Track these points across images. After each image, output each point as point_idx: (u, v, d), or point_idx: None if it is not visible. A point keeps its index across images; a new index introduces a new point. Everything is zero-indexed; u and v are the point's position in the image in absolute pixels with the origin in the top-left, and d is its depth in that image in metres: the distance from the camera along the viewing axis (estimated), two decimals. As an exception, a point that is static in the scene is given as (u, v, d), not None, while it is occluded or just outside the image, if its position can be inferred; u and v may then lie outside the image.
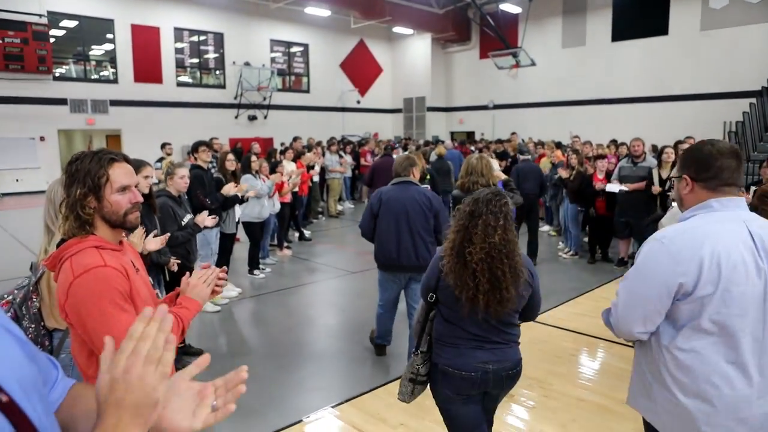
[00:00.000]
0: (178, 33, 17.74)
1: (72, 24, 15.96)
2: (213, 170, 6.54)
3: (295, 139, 11.61)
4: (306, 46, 21.08)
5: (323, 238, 9.79)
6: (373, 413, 3.57)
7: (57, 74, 15.58)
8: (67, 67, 16.37)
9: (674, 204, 2.43)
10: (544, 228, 9.99)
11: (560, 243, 8.65)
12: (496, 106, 21.33)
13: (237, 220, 6.27)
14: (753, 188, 5.00)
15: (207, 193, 5.55)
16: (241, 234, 7.02)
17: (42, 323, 2.25)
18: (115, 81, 16.58)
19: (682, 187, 1.80)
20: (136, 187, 1.78)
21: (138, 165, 3.39)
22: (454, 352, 2.29)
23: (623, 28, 17.56)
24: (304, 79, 21.43)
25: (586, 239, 8.31)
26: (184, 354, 4.46)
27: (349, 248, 8.78)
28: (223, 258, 6.05)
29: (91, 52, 16.72)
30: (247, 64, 18.77)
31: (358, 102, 22.64)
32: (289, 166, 8.67)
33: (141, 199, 1.78)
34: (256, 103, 19.13)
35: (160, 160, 9.93)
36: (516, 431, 3.37)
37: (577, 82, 18.68)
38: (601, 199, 7.38)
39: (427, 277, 2.40)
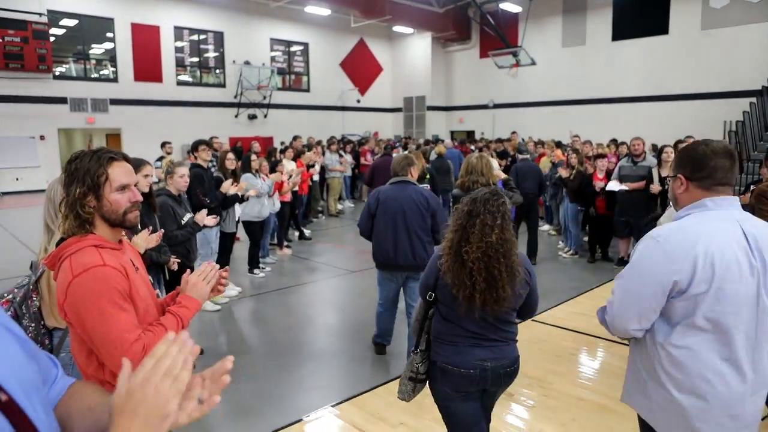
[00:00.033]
0: (178, 32, 17.73)
1: (72, 23, 15.95)
2: (213, 169, 6.54)
3: (295, 138, 11.60)
4: (306, 45, 21.07)
5: (323, 237, 9.79)
6: (373, 412, 3.57)
7: (57, 73, 15.58)
8: (67, 66, 16.36)
9: None
10: (544, 227, 9.99)
11: (560, 242, 8.65)
12: (496, 106, 21.32)
13: (237, 219, 6.27)
14: (753, 188, 5.00)
15: (206, 192, 5.55)
16: (241, 233, 7.02)
17: (42, 322, 2.25)
18: (115, 80, 16.58)
19: (677, 186, 1.83)
20: (135, 186, 1.78)
21: (138, 164, 3.39)
22: (453, 349, 2.31)
23: (623, 27, 17.55)
24: (304, 78, 21.42)
25: (586, 238, 8.31)
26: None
27: (349, 247, 8.78)
28: (223, 257, 6.05)
29: (91, 51, 16.71)
30: (247, 63, 18.76)
31: (358, 101, 22.63)
32: (289, 165, 8.67)
33: (140, 198, 1.78)
34: (256, 102, 19.13)
35: (160, 159, 9.93)
36: (516, 430, 3.38)
37: (577, 81, 18.67)
38: (601, 199, 7.38)
39: (426, 275, 2.41)
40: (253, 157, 7.03)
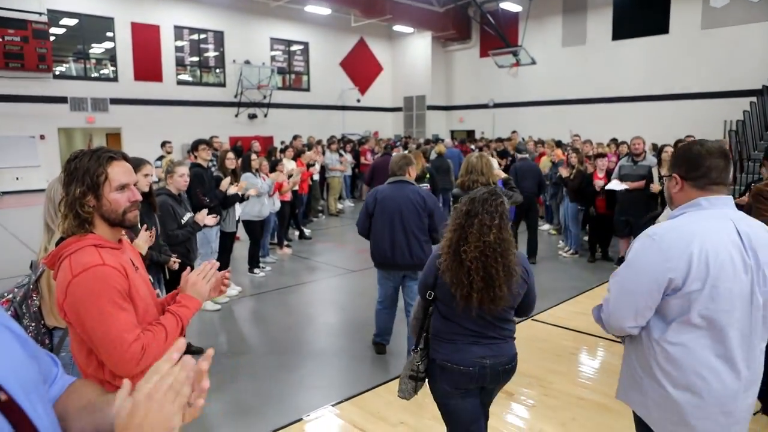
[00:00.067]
0: (178, 31, 17.73)
1: (72, 22, 15.95)
2: (213, 169, 6.54)
3: (295, 137, 11.60)
4: (306, 44, 21.06)
5: (323, 236, 9.79)
6: (373, 411, 3.57)
7: (57, 72, 15.58)
8: (67, 66, 16.36)
9: None
10: (544, 227, 9.99)
11: (560, 242, 8.66)
12: (496, 105, 21.32)
13: (237, 218, 6.27)
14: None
15: (206, 191, 5.55)
16: (242, 232, 7.02)
17: (42, 321, 2.25)
18: (115, 79, 16.57)
19: (672, 185, 1.86)
20: (135, 185, 1.78)
21: (137, 163, 3.39)
22: (452, 347, 2.33)
23: (624, 26, 17.55)
24: (304, 78, 21.42)
25: (586, 238, 8.31)
26: (185, 352, 4.45)
27: (349, 247, 8.78)
28: (224, 256, 6.05)
29: (91, 51, 16.71)
30: (247, 62, 18.76)
31: (359, 100, 22.63)
32: (289, 164, 8.67)
33: (140, 198, 1.78)
34: (256, 102, 19.12)
35: (160, 158, 9.93)
36: (516, 430, 3.38)
37: (578, 80, 18.67)
38: (601, 198, 7.38)
39: (425, 274, 2.43)
40: (253, 156, 7.03)
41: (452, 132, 22.84)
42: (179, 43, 17.86)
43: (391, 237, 4.14)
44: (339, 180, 12.09)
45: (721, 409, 1.72)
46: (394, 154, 8.52)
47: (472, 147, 14.01)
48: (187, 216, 4.50)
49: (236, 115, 18.92)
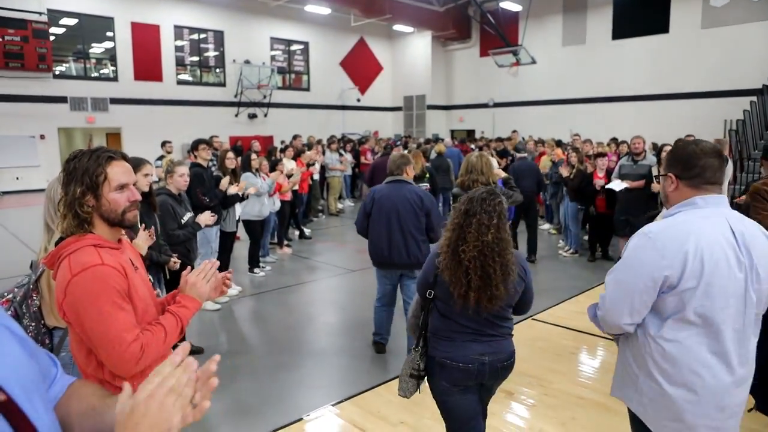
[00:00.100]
0: (178, 31, 17.73)
1: (72, 22, 15.94)
2: (213, 168, 6.54)
3: (295, 137, 11.59)
4: (306, 44, 21.06)
5: (323, 236, 9.79)
6: (373, 411, 3.57)
7: (57, 72, 15.58)
8: (67, 65, 16.36)
9: None
10: (545, 226, 10.00)
11: (560, 241, 8.66)
12: (497, 104, 21.32)
13: (237, 218, 6.27)
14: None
15: (206, 191, 5.54)
16: (242, 232, 7.02)
17: (42, 321, 2.25)
18: (115, 79, 16.57)
19: (668, 185, 1.88)
20: (134, 185, 1.78)
21: (137, 163, 3.39)
22: (451, 345, 2.35)
23: (624, 26, 17.55)
24: (304, 77, 21.41)
25: (586, 237, 8.31)
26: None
27: (349, 246, 8.78)
28: (224, 256, 6.04)
29: (91, 50, 16.71)
30: (247, 62, 18.75)
31: (359, 100, 22.62)
32: (289, 164, 8.67)
33: (139, 198, 1.78)
34: (256, 101, 19.12)
35: (161, 158, 9.93)
36: (516, 429, 3.38)
37: (578, 80, 18.66)
38: (601, 198, 7.38)
39: (425, 273, 2.44)
40: (253, 156, 7.03)
41: (452, 131, 22.84)
42: (179, 43, 17.85)
43: (389, 236, 4.17)
44: (339, 180, 12.08)
45: (716, 404, 1.75)
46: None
47: (472, 146, 14.01)
48: (187, 216, 4.50)
49: (236, 115, 18.92)
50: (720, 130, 14.25)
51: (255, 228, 6.85)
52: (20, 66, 14.33)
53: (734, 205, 4.93)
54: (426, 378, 2.48)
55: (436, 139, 14.52)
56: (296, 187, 8.51)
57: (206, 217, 4.57)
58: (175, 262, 3.95)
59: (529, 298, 2.47)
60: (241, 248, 7.61)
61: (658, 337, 1.78)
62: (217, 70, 18.96)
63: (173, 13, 17.39)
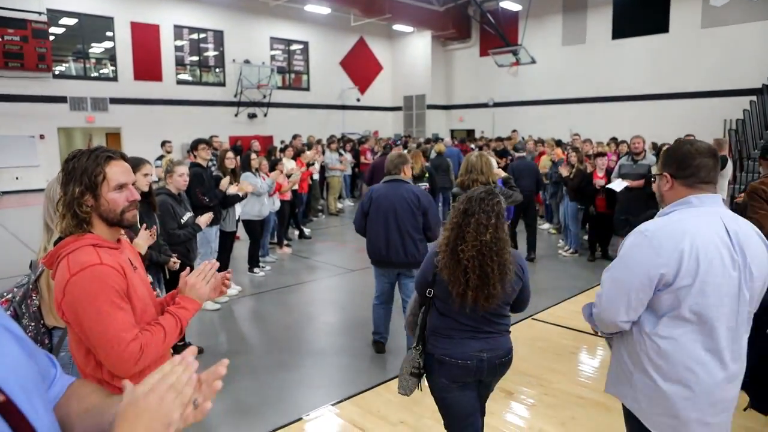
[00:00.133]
0: (178, 30, 17.72)
1: (71, 22, 15.94)
2: (213, 168, 6.53)
3: (295, 137, 11.59)
4: (306, 43, 21.05)
5: (323, 236, 9.79)
6: (373, 411, 3.57)
7: (57, 72, 15.57)
8: (67, 65, 16.36)
9: None
10: (544, 226, 10.00)
11: (560, 241, 8.66)
12: (496, 104, 21.31)
13: (237, 218, 6.27)
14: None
15: (206, 191, 5.54)
16: (241, 232, 7.01)
17: (41, 321, 2.25)
18: (114, 79, 16.57)
19: (663, 184, 1.92)
20: (133, 185, 1.77)
21: (137, 163, 3.39)
22: (449, 342, 2.38)
23: (624, 25, 17.55)
24: (304, 77, 21.41)
25: (586, 237, 8.31)
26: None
27: (349, 246, 8.78)
28: (223, 256, 6.04)
29: (90, 50, 16.70)
30: (247, 61, 18.75)
31: (358, 100, 22.62)
32: (288, 164, 8.67)
33: (138, 197, 1.77)
34: (255, 101, 19.12)
35: (160, 158, 9.93)
36: (516, 429, 3.38)
37: (578, 79, 18.66)
38: (601, 197, 7.38)
39: (424, 271, 2.46)
40: (253, 155, 7.03)
41: (452, 131, 22.84)
42: (179, 43, 17.85)
43: (386, 235, 4.20)
44: (339, 179, 12.08)
45: (709, 400, 1.78)
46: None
47: (472, 146, 14.01)
48: (187, 216, 4.50)
49: (236, 115, 18.92)
50: (720, 129, 14.26)
51: (255, 228, 6.85)
52: (20, 66, 14.32)
53: (734, 204, 4.93)
54: (425, 375, 2.50)
55: (436, 139, 14.51)
56: (296, 187, 8.50)
57: (206, 219, 4.57)
58: (174, 262, 3.95)
59: (527, 296, 2.50)
60: (241, 248, 7.60)
61: (653, 335, 1.80)
62: (217, 70, 18.96)
63: (173, 12, 17.38)
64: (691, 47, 16.11)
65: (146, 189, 3.43)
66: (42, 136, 15.31)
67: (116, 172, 1.70)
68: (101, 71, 16.89)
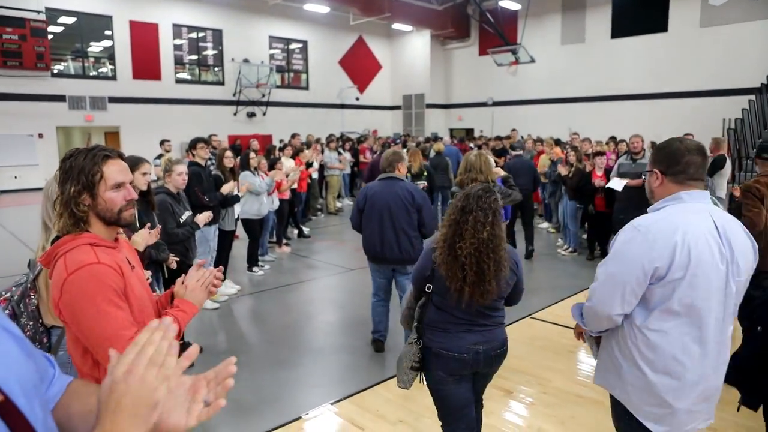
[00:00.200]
0: (177, 29, 17.70)
1: (70, 20, 15.92)
2: (211, 167, 6.52)
3: (294, 136, 11.59)
4: (305, 42, 21.04)
5: (322, 235, 9.79)
6: (372, 410, 3.57)
7: (55, 71, 15.55)
8: (66, 64, 16.33)
9: None
10: (543, 225, 10.02)
11: (559, 240, 8.66)
12: (495, 103, 21.31)
13: (236, 217, 6.27)
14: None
15: (205, 190, 5.53)
16: (240, 231, 7.01)
17: (40, 320, 2.24)
18: (113, 78, 16.55)
19: (653, 180, 1.97)
20: (131, 184, 1.77)
21: (136, 162, 3.38)
22: (446, 336, 2.43)
23: (623, 24, 17.55)
24: (303, 76, 21.40)
25: (585, 236, 8.32)
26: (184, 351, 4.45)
27: (348, 245, 8.77)
28: (222, 255, 6.04)
29: (89, 49, 16.68)
30: (245, 60, 18.73)
31: (357, 99, 22.60)
32: (287, 163, 8.66)
33: (135, 197, 1.77)
34: (254, 100, 19.10)
35: (159, 156, 9.92)
36: (515, 427, 3.38)
37: (577, 78, 18.66)
38: (600, 196, 7.37)
39: (422, 266, 2.50)
40: (252, 154, 7.02)
41: (451, 130, 22.84)
42: (178, 42, 17.83)
43: (381, 233, 4.23)
44: (338, 178, 12.07)
45: (696, 389, 1.85)
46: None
47: (471, 145, 14.00)
48: (186, 215, 4.49)
49: (235, 114, 18.90)
50: (719, 128, 14.24)
51: (254, 227, 6.85)
52: (18, 64, 14.30)
53: (734, 203, 4.94)
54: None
55: (435, 138, 14.51)
56: (295, 186, 8.50)
57: (205, 218, 4.56)
58: (172, 260, 3.94)
59: (520, 290, 2.57)
60: (240, 247, 7.60)
61: (643, 327, 1.85)
62: (216, 69, 18.94)
63: (172, 11, 17.36)
64: (690, 46, 16.12)
65: (145, 188, 3.43)
66: (41, 135, 15.29)
67: (113, 171, 1.70)
68: (100, 70, 16.87)
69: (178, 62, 17.93)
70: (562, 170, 7.84)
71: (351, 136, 16.59)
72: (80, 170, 1.65)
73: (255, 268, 7.02)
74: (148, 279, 2.59)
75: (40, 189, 2.75)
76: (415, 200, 4.19)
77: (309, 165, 9.94)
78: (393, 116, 23.92)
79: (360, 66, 22.62)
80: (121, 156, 1.76)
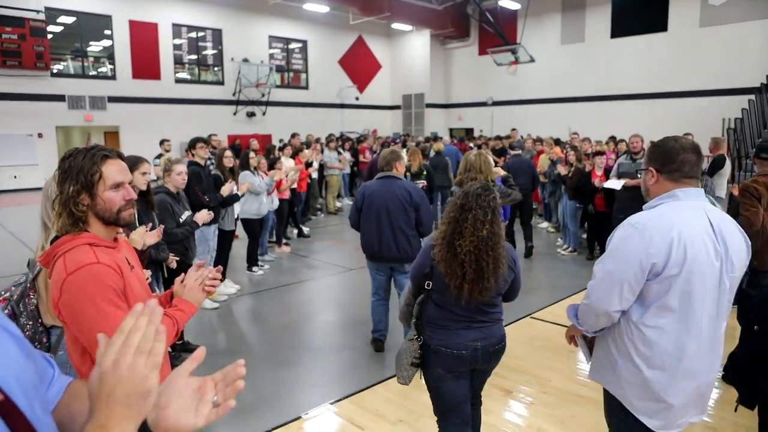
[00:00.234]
0: (177, 29, 17.69)
1: (70, 20, 15.91)
2: (211, 167, 6.52)
3: (294, 135, 11.59)
4: (305, 42, 21.03)
5: (322, 234, 9.78)
6: (372, 410, 3.57)
7: (55, 70, 15.55)
8: (65, 64, 16.33)
9: None
10: (543, 224, 10.02)
11: (559, 239, 8.66)
12: (495, 103, 21.31)
13: (236, 216, 6.26)
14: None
15: (205, 189, 5.53)
16: (240, 231, 7.01)
17: (39, 320, 2.24)
18: (113, 77, 16.54)
19: (649, 178, 2.01)
20: (130, 184, 1.77)
21: (135, 161, 3.38)
22: (445, 333, 2.45)
23: (622, 24, 17.55)
24: (303, 76, 21.39)
25: (584, 236, 8.32)
26: (184, 351, 4.46)
27: (348, 245, 8.77)
28: (222, 255, 6.04)
29: (89, 49, 16.68)
30: (245, 60, 18.72)
31: (357, 98, 22.60)
32: (287, 162, 8.66)
33: (135, 196, 1.77)
34: (254, 100, 19.10)
35: (159, 156, 9.91)
36: (514, 427, 3.38)
37: (576, 78, 18.66)
38: (600, 196, 7.37)
39: (421, 264, 2.52)
40: (252, 154, 7.02)
41: (451, 130, 22.84)
42: (177, 41, 17.82)
43: (379, 232, 4.24)
44: (337, 178, 12.07)
45: (690, 385, 1.88)
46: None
47: (471, 145, 14.00)
48: (186, 214, 4.49)
49: (234, 114, 18.90)
50: (718, 128, 14.25)
51: (253, 226, 6.84)
52: (18, 64, 14.29)
53: (734, 203, 4.94)
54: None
55: (435, 138, 14.49)
56: (295, 186, 8.50)
57: (204, 216, 4.55)
58: (172, 259, 3.94)
59: (517, 287, 2.60)
60: (240, 247, 7.60)
61: (640, 324, 1.87)
62: (216, 69, 18.93)
63: (171, 11, 17.36)
64: (690, 46, 16.12)
65: (144, 188, 3.43)
66: (40, 135, 15.28)
67: (112, 170, 1.70)
68: (99, 70, 16.86)
69: (178, 62, 17.92)
70: (562, 170, 7.84)
71: (351, 136, 16.59)
72: (79, 170, 1.65)
73: (255, 268, 7.01)
74: (147, 279, 2.58)
75: (39, 189, 2.75)
76: (413, 199, 4.19)
77: (309, 165, 9.94)
78: (393, 116, 23.92)
79: (360, 66, 22.62)
80: (120, 156, 1.76)
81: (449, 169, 9.77)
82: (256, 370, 4.20)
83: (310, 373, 4.20)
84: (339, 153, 12.21)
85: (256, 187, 6.58)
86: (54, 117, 15.44)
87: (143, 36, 16.73)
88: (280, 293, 6.32)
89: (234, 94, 18.62)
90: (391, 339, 4.60)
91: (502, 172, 5.28)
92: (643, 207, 2.01)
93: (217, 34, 18.64)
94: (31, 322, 2.21)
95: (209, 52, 18.82)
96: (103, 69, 16.85)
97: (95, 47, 16.79)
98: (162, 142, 10.40)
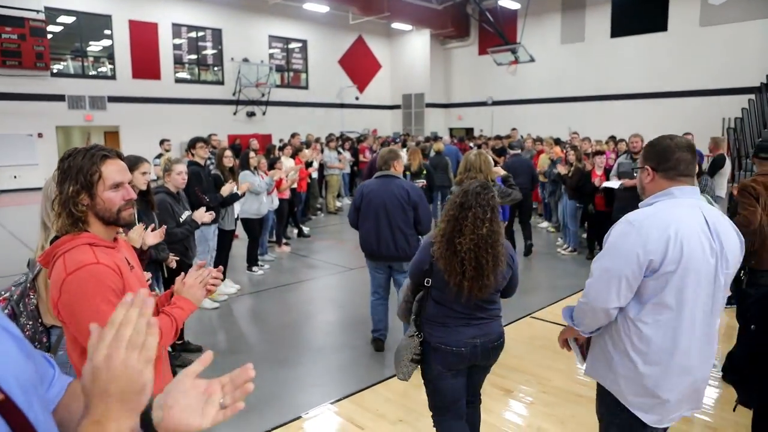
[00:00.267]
0: (176, 29, 17.69)
1: (69, 20, 15.91)
2: (211, 167, 6.52)
3: (294, 135, 11.58)
4: (304, 42, 21.03)
5: (322, 234, 9.78)
6: (372, 409, 3.57)
7: (55, 70, 15.54)
8: (65, 64, 16.32)
9: None
10: (543, 224, 10.02)
11: (559, 239, 8.66)
12: (495, 103, 21.31)
13: (236, 216, 6.26)
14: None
15: (205, 189, 5.53)
16: (240, 230, 7.01)
17: (39, 320, 2.24)
18: (113, 77, 16.54)
19: (645, 176, 2.03)
20: (130, 183, 1.77)
21: (135, 161, 3.39)
22: (445, 330, 2.47)
23: (622, 23, 17.55)
24: (303, 76, 21.39)
25: (584, 235, 8.32)
26: (184, 351, 4.46)
27: (348, 244, 8.77)
28: (222, 255, 6.03)
29: (88, 48, 16.67)
30: (245, 60, 18.72)
31: (357, 98, 22.60)
32: (287, 162, 8.66)
33: (134, 196, 1.76)
34: (254, 100, 19.09)
35: (159, 156, 9.91)
36: (514, 427, 3.38)
37: (576, 78, 18.66)
38: (600, 195, 7.37)
39: (420, 261, 2.54)
40: (252, 154, 7.02)
41: (451, 130, 22.84)
42: (177, 41, 17.82)
43: (377, 231, 4.25)
44: (337, 178, 12.07)
45: (685, 380, 1.90)
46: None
47: (471, 145, 14.00)
48: (186, 214, 4.49)
49: (234, 113, 18.89)
50: (718, 128, 14.25)
51: (253, 226, 6.84)
52: (18, 64, 14.29)
53: (733, 202, 4.94)
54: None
55: (435, 138, 14.48)
56: (295, 185, 8.50)
57: (203, 214, 4.55)
58: (172, 259, 3.95)
59: (515, 284, 2.63)
60: (240, 246, 7.60)
61: (636, 320, 1.89)
62: (216, 68, 18.93)
63: (171, 11, 17.36)
64: (690, 46, 16.12)
65: (144, 187, 3.43)
66: (40, 135, 15.28)
67: (112, 170, 1.69)
68: (99, 69, 16.86)
69: (178, 62, 17.92)
70: (562, 170, 7.84)
71: (351, 136, 16.59)
72: (78, 170, 1.65)
73: (255, 268, 7.01)
74: (147, 279, 2.58)
75: (39, 189, 2.75)
76: (411, 198, 4.20)
77: (309, 164, 9.93)
78: (393, 115, 23.92)
79: (359, 65, 22.62)
80: (119, 156, 1.76)
81: (449, 168, 9.77)
82: (255, 370, 4.14)
83: (310, 372, 4.20)
84: (339, 153, 12.21)
85: (256, 187, 6.58)
86: (54, 117, 15.44)
87: (143, 36, 16.73)
88: (280, 293, 6.32)
89: (234, 94, 18.62)
90: (391, 338, 4.60)
91: (502, 172, 5.28)
92: (639, 205, 2.03)
93: (217, 34, 18.63)
94: (31, 322, 2.21)
95: (209, 51, 18.82)
96: (103, 69, 16.85)
97: (95, 47, 16.79)
98: (162, 142, 10.40)
